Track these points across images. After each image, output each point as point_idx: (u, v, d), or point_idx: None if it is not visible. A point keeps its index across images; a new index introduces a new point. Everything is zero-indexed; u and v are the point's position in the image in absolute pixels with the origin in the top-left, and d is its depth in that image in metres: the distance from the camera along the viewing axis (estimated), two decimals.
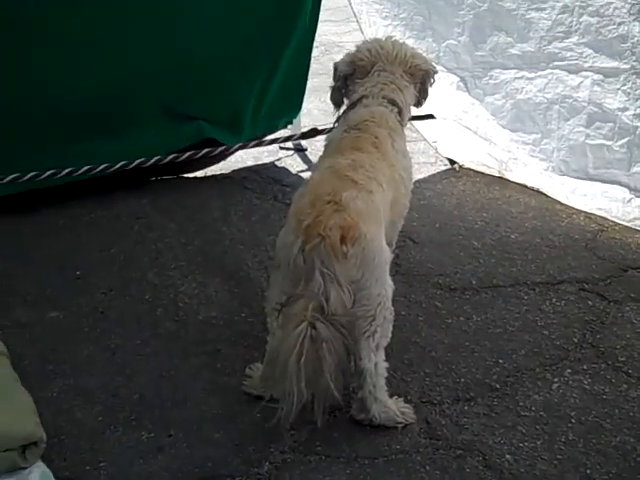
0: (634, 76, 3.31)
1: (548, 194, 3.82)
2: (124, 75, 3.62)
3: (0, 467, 2.11)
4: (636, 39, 3.24)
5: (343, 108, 2.75)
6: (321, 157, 2.60)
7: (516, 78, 3.76)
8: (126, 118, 3.74)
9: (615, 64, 3.35)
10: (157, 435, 2.37)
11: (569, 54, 3.51)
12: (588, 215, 3.66)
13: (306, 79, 4.28)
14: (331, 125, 2.82)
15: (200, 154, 3.88)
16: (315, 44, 4.27)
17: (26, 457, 2.15)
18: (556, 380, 2.59)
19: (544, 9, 3.53)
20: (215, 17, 3.72)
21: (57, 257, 3.34)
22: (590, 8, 3.36)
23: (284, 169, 4.29)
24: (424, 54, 2.98)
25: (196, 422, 2.42)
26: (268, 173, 4.21)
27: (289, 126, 4.39)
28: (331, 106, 2.83)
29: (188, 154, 3.86)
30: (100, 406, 2.49)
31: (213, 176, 4.19)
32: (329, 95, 2.80)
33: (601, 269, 3.23)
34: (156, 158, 3.78)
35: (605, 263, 3.28)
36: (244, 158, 4.36)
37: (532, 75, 3.70)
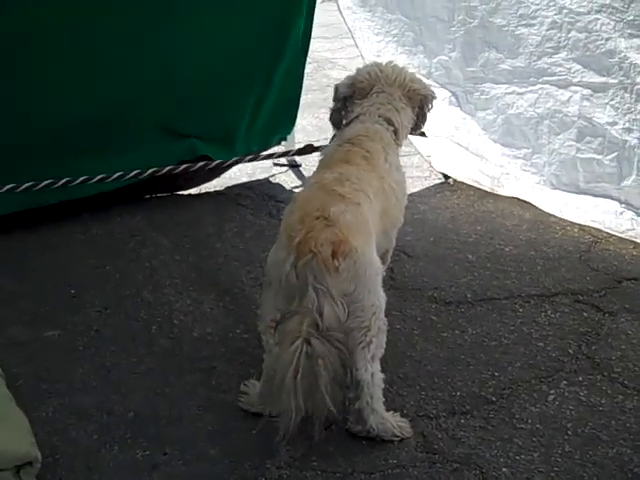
0: (622, 91, 3.34)
1: (541, 208, 3.84)
2: (118, 94, 3.64)
3: None
4: (623, 54, 3.28)
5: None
6: (314, 172, 2.63)
7: (507, 93, 3.79)
8: (119, 136, 3.75)
9: (603, 79, 3.39)
10: (152, 453, 2.36)
11: (558, 69, 3.55)
12: (582, 227, 3.67)
13: (299, 95, 4.31)
14: (326, 141, 2.84)
15: (196, 167, 3.89)
16: (308, 60, 4.31)
17: (21, 477, 2.14)
18: (552, 392, 2.59)
19: (533, 25, 3.57)
20: (208, 34, 3.75)
21: (52, 275, 3.34)
22: (578, 24, 3.40)
23: (278, 185, 4.31)
24: (418, 74, 3.03)
25: (192, 439, 2.41)
26: (262, 189, 4.23)
27: (283, 142, 4.42)
28: (325, 122, 2.88)
29: (184, 166, 3.86)
30: (95, 425, 2.48)
31: (207, 193, 4.20)
32: (329, 116, 2.86)
33: (595, 281, 3.24)
34: (152, 170, 3.79)
35: (599, 275, 3.29)
36: (238, 175, 4.38)
37: (522, 90, 3.73)
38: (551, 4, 3.48)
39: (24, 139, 3.50)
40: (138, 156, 3.80)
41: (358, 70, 2.82)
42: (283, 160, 4.49)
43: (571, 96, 3.54)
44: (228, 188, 4.25)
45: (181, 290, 3.22)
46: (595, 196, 3.59)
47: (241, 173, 4.40)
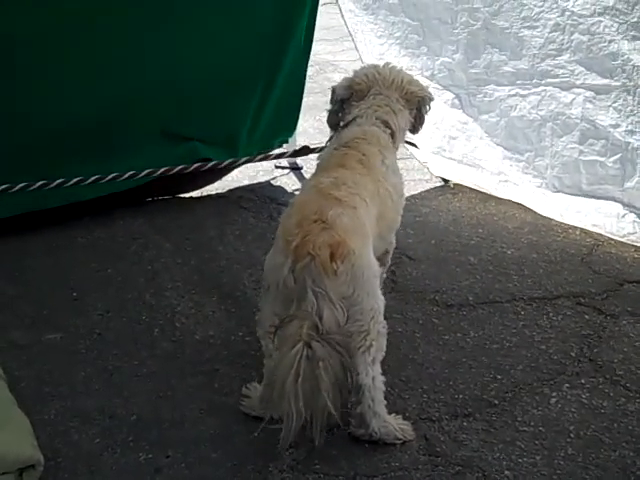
0: (625, 93, 3.34)
1: (541, 213, 3.83)
2: (120, 96, 3.65)
3: None
4: (626, 57, 3.27)
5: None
6: (311, 175, 2.63)
7: (510, 95, 3.79)
8: (121, 139, 3.75)
9: (606, 81, 3.39)
10: (155, 456, 2.36)
11: (561, 71, 3.55)
12: (583, 230, 3.67)
13: (301, 98, 4.31)
14: (324, 143, 2.84)
15: (192, 167, 3.88)
16: (310, 63, 4.30)
17: None
18: (554, 395, 2.59)
19: (536, 27, 3.57)
20: (210, 36, 3.75)
21: (54, 278, 3.34)
22: (581, 26, 3.40)
23: (280, 188, 4.31)
24: (420, 77, 3.01)
25: (194, 442, 2.41)
26: (264, 192, 4.23)
27: (284, 145, 4.42)
28: (326, 125, 2.86)
29: (180, 167, 3.86)
30: (97, 428, 2.48)
31: (209, 196, 4.20)
32: (326, 118, 2.85)
33: (597, 283, 3.24)
34: (153, 170, 3.79)
35: (601, 277, 3.29)
36: (239, 177, 4.38)
37: (525, 92, 3.73)
38: (554, 7, 3.48)
39: (24, 140, 3.50)
40: (140, 159, 3.79)
41: (355, 72, 2.81)
42: (285, 163, 4.49)
43: (574, 98, 3.54)
44: (230, 191, 4.25)
45: (183, 293, 3.22)
46: (598, 198, 3.58)
47: (243, 176, 4.40)
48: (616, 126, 3.41)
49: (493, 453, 2.34)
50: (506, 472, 2.27)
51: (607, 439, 2.39)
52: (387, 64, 2.83)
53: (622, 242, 3.52)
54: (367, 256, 2.30)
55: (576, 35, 3.44)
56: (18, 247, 3.58)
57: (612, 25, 3.28)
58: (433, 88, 3.95)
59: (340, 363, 2.17)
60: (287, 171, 4.48)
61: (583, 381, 2.65)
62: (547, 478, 2.25)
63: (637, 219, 3.46)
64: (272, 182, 4.38)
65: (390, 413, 2.40)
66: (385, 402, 2.36)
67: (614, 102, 3.39)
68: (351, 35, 4.38)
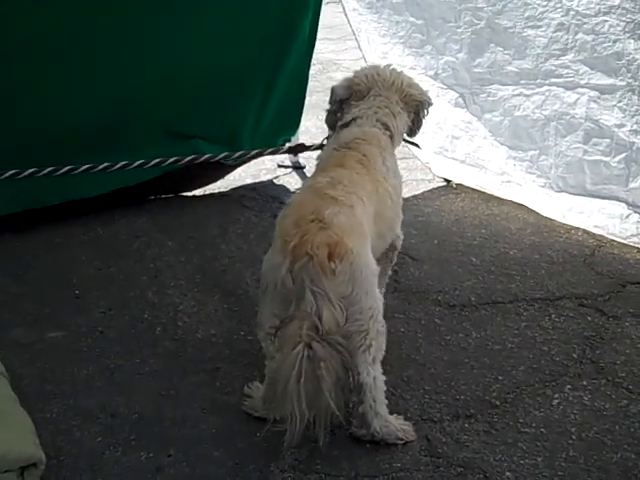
0: (630, 93, 3.33)
1: (544, 214, 3.82)
2: (122, 95, 3.64)
3: None
4: (631, 56, 3.26)
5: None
6: (310, 176, 2.63)
7: (514, 95, 3.78)
8: (124, 137, 3.75)
9: (611, 81, 3.38)
10: (157, 455, 2.36)
11: (565, 71, 3.54)
12: (586, 231, 3.66)
13: (304, 97, 4.30)
14: (321, 142, 2.83)
15: (184, 161, 3.84)
16: (312, 62, 4.30)
17: (25, 478, 2.14)
18: (556, 396, 2.59)
19: (540, 27, 3.56)
20: (213, 36, 3.75)
21: (56, 276, 3.34)
22: (585, 26, 3.39)
23: (282, 187, 4.30)
24: (424, 76, 2.99)
25: (196, 441, 2.42)
26: (266, 191, 4.23)
27: (287, 144, 4.40)
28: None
29: (173, 159, 3.84)
30: (99, 426, 2.48)
31: (211, 194, 4.20)
32: (324, 117, 2.84)
33: (600, 285, 3.23)
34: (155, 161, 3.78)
35: (604, 279, 3.28)
36: (242, 176, 4.38)
37: (529, 92, 3.72)
38: (558, 6, 3.47)
39: (24, 140, 3.50)
40: (143, 157, 3.78)
41: (355, 72, 2.81)
42: (287, 162, 4.49)
43: (578, 98, 3.53)
44: (233, 189, 4.25)
45: (185, 291, 3.22)
46: (602, 198, 3.58)
47: (245, 174, 4.40)
48: (621, 126, 3.40)
49: (494, 454, 2.34)
50: (507, 473, 2.27)
51: (609, 441, 2.38)
52: (387, 65, 2.82)
53: (625, 243, 3.52)
54: (365, 255, 2.29)
55: (580, 35, 3.43)
56: (20, 245, 3.58)
57: (618, 24, 3.27)
58: (437, 87, 3.95)
59: (341, 363, 2.17)
60: (290, 170, 4.48)
61: (585, 383, 2.64)
62: None
63: None
64: (275, 181, 4.37)
65: (392, 413, 2.40)
66: (387, 402, 2.36)
67: (619, 102, 3.38)
68: (354, 34, 4.37)
